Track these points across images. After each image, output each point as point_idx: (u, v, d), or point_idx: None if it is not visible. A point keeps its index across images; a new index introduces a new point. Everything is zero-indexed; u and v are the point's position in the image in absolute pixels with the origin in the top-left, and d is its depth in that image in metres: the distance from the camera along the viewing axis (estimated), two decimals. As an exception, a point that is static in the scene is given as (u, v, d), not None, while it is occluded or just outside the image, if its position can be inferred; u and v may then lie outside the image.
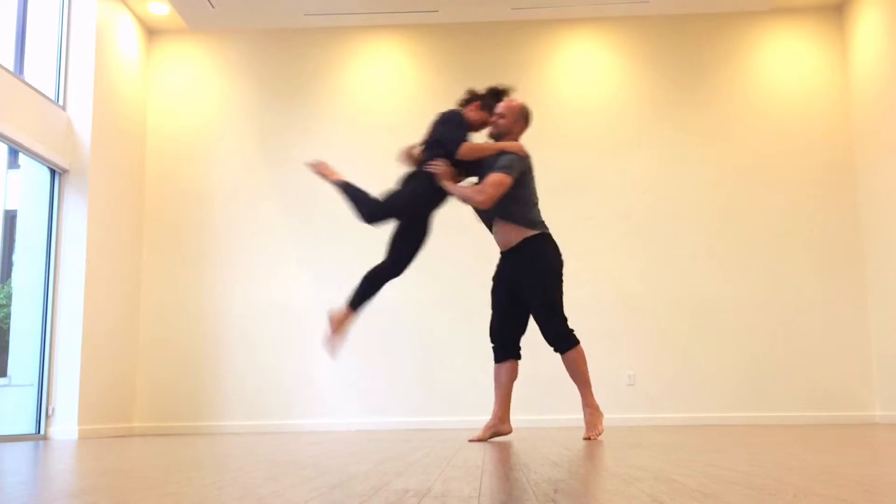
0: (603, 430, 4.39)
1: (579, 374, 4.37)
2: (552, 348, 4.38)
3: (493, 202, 4.22)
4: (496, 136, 4.48)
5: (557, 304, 4.32)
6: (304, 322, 7.74)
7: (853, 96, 7.72)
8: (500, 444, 4.07)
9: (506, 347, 4.46)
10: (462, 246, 7.77)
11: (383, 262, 4.45)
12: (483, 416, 7.06)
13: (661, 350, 7.45)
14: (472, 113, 4.52)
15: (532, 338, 6.39)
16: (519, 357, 4.52)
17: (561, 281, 4.35)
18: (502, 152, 4.32)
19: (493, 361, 4.55)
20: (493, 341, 4.50)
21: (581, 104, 7.99)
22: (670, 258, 7.62)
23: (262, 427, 7.45)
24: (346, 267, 7.72)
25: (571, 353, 4.33)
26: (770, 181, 7.74)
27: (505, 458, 2.99)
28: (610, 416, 7.07)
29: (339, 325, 4.45)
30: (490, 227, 4.51)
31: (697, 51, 8.00)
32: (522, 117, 4.50)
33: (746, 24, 8.01)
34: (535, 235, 4.34)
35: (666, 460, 2.69)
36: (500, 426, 4.52)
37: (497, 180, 4.21)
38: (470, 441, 4.39)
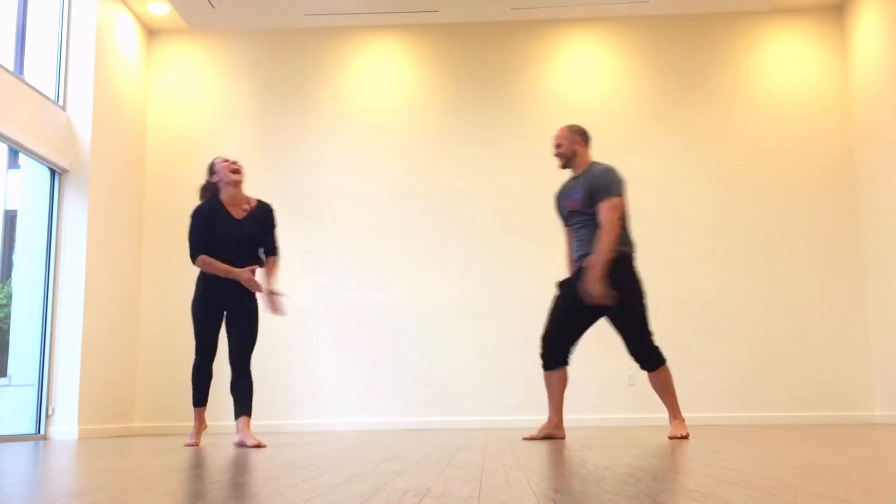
0: (687, 435, 4.32)
1: (668, 391, 4.39)
2: (640, 365, 4.35)
3: (615, 225, 4.20)
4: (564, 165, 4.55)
5: (648, 321, 4.33)
6: (304, 322, 7.74)
7: (853, 96, 7.73)
8: (500, 444, 4.07)
9: (558, 355, 4.43)
10: (465, 249, 7.78)
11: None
12: (484, 416, 7.08)
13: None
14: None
15: (528, 335, 6.38)
16: (568, 363, 4.49)
17: (646, 299, 4.36)
18: (606, 172, 4.32)
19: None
20: (545, 348, 4.44)
21: (581, 104, 7.99)
22: (669, 258, 7.62)
23: (263, 427, 7.46)
24: (346, 267, 7.75)
25: (662, 371, 4.34)
26: (769, 181, 7.75)
27: (505, 457, 2.99)
28: (610, 416, 7.09)
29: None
30: (577, 239, 4.40)
31: (697, 51, 8.00)
32: (579, 135, 4.54)
33: (746, 24, 8.01)
34: (626, 253, 4.33)
35: (666, 460, 2.70)
36: (555, 430, 4.49)
37: (614, 203, 4.24)
38: (524, 439, 4.39)
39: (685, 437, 4.23)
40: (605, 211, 4.22)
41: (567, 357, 4.47)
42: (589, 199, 4.31)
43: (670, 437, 4.26)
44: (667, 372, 4.36)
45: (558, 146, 4.54)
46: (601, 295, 4.15)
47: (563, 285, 4.48)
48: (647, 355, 4.29)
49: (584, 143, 4.52)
